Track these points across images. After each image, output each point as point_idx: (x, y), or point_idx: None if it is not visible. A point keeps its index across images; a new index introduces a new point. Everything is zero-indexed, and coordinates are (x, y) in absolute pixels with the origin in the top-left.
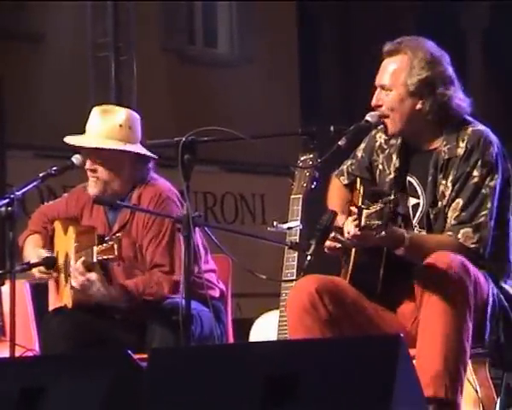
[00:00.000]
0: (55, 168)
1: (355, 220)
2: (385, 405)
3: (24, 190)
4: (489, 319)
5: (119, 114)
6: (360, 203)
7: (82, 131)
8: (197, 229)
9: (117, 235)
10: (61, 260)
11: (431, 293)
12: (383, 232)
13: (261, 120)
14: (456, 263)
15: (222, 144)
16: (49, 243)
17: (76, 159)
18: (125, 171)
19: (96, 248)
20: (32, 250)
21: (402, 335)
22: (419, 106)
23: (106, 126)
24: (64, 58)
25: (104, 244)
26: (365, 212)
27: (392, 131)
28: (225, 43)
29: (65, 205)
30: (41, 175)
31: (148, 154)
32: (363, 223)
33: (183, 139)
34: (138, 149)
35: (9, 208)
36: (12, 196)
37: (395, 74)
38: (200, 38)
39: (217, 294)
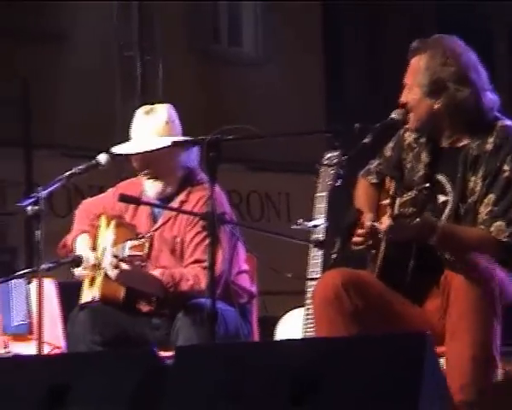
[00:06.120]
0: (80, 167)
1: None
2: (411, 404)
3: (49, 189)
4: None
5: (162, 111)
6: (393, 193)
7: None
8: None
9: (148, 234)
10: (98, 254)
11: (456, 300)
12: (417, 219)
13: (286, 119)
14: (480, 268)
15: (247, 143)
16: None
17: (102, 158)
18: (177, 168)
19: (129, 243)
20: (84, 252)
21: (428, 332)
22: (436, 106)
23: (154, 126)
24: (90, 58)
25: (137, 241)
26: (399, 200)
27: (413, 127)
28: (250, 41)
29: (111, 199)
30: (66, 174)
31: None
32: (396, 211)
33: (208, 138)
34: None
35: (36, 207)
36: (38, 195)
37: (413, 74)
38: (224, 37)
39: (245, 299)
